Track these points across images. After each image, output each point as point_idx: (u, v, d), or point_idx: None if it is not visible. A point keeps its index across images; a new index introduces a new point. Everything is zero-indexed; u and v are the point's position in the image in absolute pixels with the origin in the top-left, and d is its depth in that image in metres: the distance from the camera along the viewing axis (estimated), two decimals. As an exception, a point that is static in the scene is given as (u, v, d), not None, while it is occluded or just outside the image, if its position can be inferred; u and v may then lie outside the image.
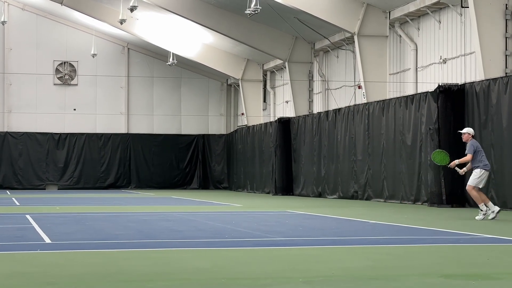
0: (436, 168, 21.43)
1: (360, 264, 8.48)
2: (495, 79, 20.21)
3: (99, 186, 42.17)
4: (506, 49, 21.91)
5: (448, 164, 16.15)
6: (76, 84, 42.64)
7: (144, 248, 10.48)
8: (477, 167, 15.55)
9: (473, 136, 15.97)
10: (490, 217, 15.43)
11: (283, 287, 6.90)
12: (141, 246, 10.68)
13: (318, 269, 8.11)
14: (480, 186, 15.57)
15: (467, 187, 15.72)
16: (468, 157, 15.62)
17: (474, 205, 20.53)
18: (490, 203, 15.66)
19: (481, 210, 15.47)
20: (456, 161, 15.80)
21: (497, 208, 15.60)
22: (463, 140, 16.04)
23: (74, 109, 42.59)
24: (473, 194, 15.55)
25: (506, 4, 21.90)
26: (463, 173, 16.07)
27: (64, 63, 42.45)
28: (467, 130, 16.10)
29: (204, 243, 11.15)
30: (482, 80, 20.85)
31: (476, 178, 15.53)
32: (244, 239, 11.85)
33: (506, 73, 21.60)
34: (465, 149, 15.87)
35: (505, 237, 11.84)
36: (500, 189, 19.70)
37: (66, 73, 42.47)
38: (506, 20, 21.94)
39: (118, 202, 26.01)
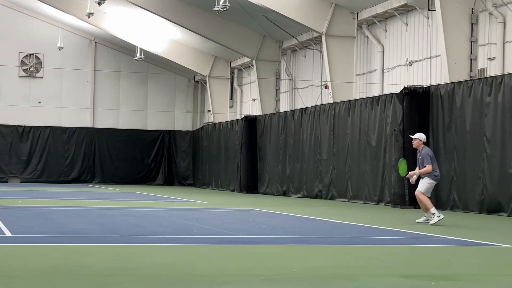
0: (399, 169, 21.56)
1: (322, 263, 8.51)
2: (459, 83, 20.41)
3: (62, 180, 41.83)
4: (471, 53, 22.14)
5: (406, 175, 15.30)
6: (42, 77, 42.25)
7: (106, 243, 10.43)
8: (428, 177, 14.75)
9: (424, 143, 15.03)
10: (422, 221, 14.81)
11: (243, 285, 6.90)
12: (103, 241, 10.62)
13: (280, 267, 8.13)
14: (428, 195, 14.91)
15: (417, 193, 14.78)
16: (429, 168, 14.72)
17: (437, 207, 20.71)
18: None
19: (434, 213, 14.58)
20: (417, 172, 14.89)
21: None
22: (414, 146, 15.10)
23: (39, 102, 42.19)
24: (424, 198, 14.71)
25: (472, 9, 22.13)
26: (414, 182, 15.21)
27: (30, 55, 42.04)
28: (419, 136, 15.06)
29: (167, 239, 11.13)
30: (447, 83, 21.04)
31: (427, 186, 14.77)
32: (206, 236, 11.84)
33: (470, 77, 21.82)
34: (418, 156, 15.01)
35: (465, 238, 11.97)
36: (461, 192, 19.90)
37: (31, 65, 42.06)
38: (472, 24, 22.16)
39: (81, 197, 25.83)
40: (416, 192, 14.95)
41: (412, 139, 15.20)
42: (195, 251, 9.63)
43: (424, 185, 14.82)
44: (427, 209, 14.79)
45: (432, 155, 15.01)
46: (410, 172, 15.14)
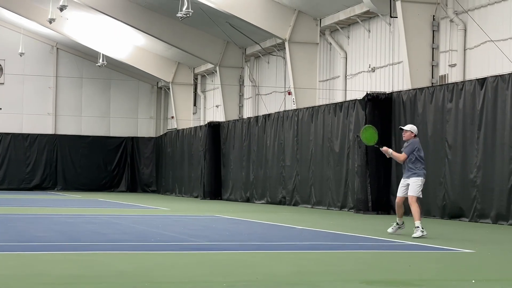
0: (362, 176, 21.69)
1: (285, 269, 8.50)
2: (421, 89, 20.58)
3: (24, 187, 41.36)
4: (432, 60, 22.35)
5: (376, 144, 14.02)
6: (3, 83, 41.76)
7: (67, 250, 10.30)
8: (417, 175, 13.44)
9: (415, 136, 13.86)
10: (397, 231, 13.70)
11: (206, 292, 6.87)
12: (64, 249, 10.50)
13: (242, 274, 8.10)
14: (421, 196, 13.52)
15: (410, 199, 13.32)
16: (402, 156, 13.47)
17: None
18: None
19: (397, 224, 13.65)
20: (390, 150, 13.75)
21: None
22: (404, 139, 13.81)
23: (0, 108, 41.69)
24: (415, 207, 13.28)
25: (433, 16, 22.35)
26: (388, 155, 13.86)
27: (-9, 61, 41.55)
28: (411, 128, 13.81)
29: (129, 246, 11.03)
30: (409, 90, 21.22)
31: (418, 187, 13.39)
32: (169, 243, 11.76)
33: (432, 83, 22.02)
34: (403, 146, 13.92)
35: (427, 244, 12.04)
36: (423, 197, 19.97)
37: (-8, 71, 41.55)
38: (433, 31, 22.38)
39: (42, 204, 25.55)
40: (409, 198, 13.38)
41: (402, 130, 13.95)
42: (157, 259, 9.56)
43: (415, 188, 13.39)
44: (401, 216, 13.66)
45: (417, 148, 13.64)
46: (385, 147, 13.95)
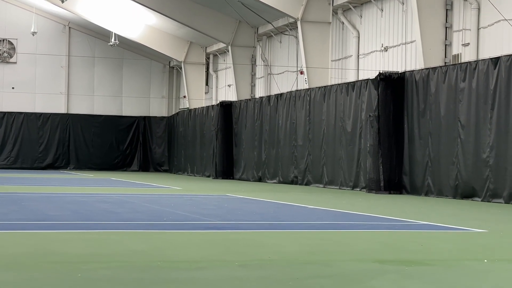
0: (375, 155, 21.67)
1: (297, 249, 8.52)
2: (434, 68, 20.49)
3: (37, 166, 41.57)
4: (445, 39, 22.23)
5: None
6: (15, 62, 41.87)
7: (80, 229, 10.37)
8: None
9: None
10: None
11: (219, 271, 6.89)
12: (77, 228, 10.56)
13: (255, 253, 8.12)
14: None
15: None
16: None
17: (412, 192, 20.89)
18: None
19: None
20: None
21: None
22: None
23: (13, 88, 41.83)
24: None
25: (447, -5, 22.19)
26: None
27: (3, 40, 41.62)
28: None
29: (142, 225, 11.09)
30: (422, 69, 21.13)
31: None
32: (182, 222, 11.81)
33: (445, 63, 21.92)
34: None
35: (439, 223, 12.04)
36: (436, 177, 20.02)
37: (4, 51, 41.65)
38: (447, 10, 22.24)
39: (55, 183, 25.68)
40: None
41: None
42: (170, 238, 9.60)
43: None
44: None
45: None
46: None
